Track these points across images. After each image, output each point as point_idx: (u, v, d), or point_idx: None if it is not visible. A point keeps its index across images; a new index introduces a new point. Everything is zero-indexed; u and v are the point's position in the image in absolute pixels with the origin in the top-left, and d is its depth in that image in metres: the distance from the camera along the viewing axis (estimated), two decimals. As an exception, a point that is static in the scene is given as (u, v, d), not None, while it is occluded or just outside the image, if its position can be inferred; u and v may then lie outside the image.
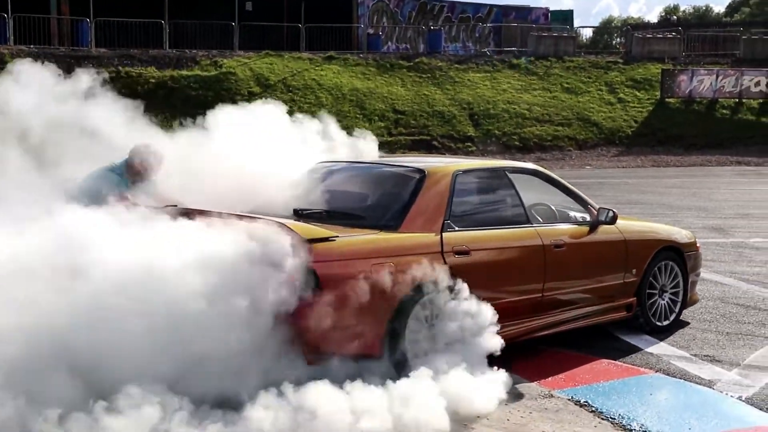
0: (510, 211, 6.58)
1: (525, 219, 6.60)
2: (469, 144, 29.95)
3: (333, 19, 35.74)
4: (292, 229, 5.27)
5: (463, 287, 5.71)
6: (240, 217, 5.54)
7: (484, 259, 6.11)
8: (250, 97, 29.62)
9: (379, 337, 5.44)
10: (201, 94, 28.88)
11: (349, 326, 5.27)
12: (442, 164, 6.74)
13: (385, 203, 6.16)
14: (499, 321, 5.82)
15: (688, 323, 7.67)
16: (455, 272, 5.74)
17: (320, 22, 34.93)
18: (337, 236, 5.42)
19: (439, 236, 5.89)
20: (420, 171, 6.30)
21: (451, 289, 5.69)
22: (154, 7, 32.99)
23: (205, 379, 4.97)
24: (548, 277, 6.52)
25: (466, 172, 6.50)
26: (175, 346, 4.89)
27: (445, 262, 5.76)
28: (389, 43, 38.96)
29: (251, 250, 5.11)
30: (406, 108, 31.33)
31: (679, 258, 7.61)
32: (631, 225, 7.56)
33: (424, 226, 5.90)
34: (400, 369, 5.46)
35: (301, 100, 30.00)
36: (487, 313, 5.72)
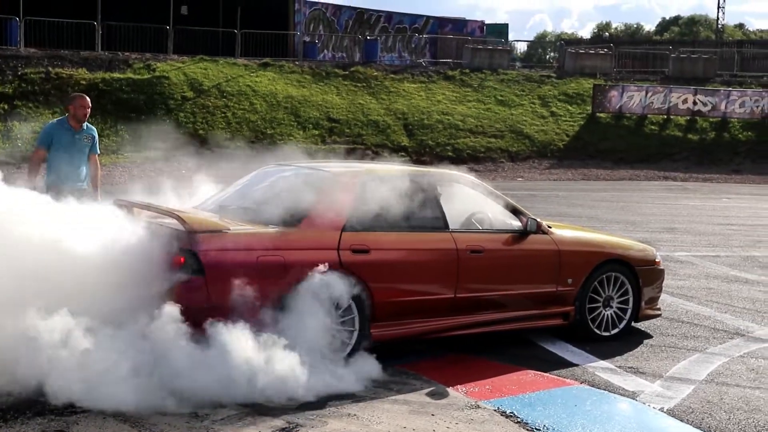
0: (424, 215, 6.91)
1: (442, 224, 6.91)
2: (403, 153, 30.01)
3: (269, 26, 35.56)
4: (185, 221, 5.92)
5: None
6: (152, 208, 6.39)
7: (386, 258, 6.50)
8: (184, 102, 29.30)
9: (266, 324, 5.89)
10: (133, 98, 28.45)
11: (232, 310, 5.76)
12: (354, 168, 7.23)
13: (290, 202, 6.57)
14: (406, 317, 6.59)
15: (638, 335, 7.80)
16: (352, 269, 6.24)
17: (256, 28, 34.73)
18: (229, 229, 6.03)
19: (338, 235, 6.31)
20: (331, 174, 6.87)
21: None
22: (86, 7, 32.40)
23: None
24: (462, 279, 6.82)
25: (379, 176, 6.89)
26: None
27: (341, 259, 6.20)
28: (325, 52, 38.94)
29: (145, 235, 5.94)
30: (341, 116, 31.31)
31: (629, 271, 7.73)
32: (569, 236, 7.70)
33: (324, 224, 6.34)
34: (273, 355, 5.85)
35: (235, 106, 29.75)
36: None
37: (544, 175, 30.03)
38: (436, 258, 6.78)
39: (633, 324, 7.87)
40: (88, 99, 8.78)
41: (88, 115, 8.73)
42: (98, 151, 8.88)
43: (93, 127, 8.96)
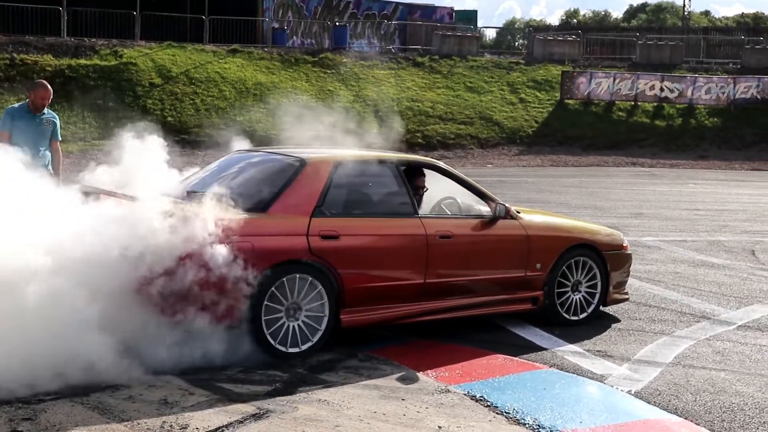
0: (394, 201, 6.98)
1: (411, 210, 6.94)
2: (372, 141, 30.01)
3: (237, 12, 35.30)
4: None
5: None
6: (118, 195, 6.37)
7: (356, 243, 6.52)
8: (151, 89, 29.05)
9: (237, 308, 5.97)
10: (100, 84, 28.16)
11: (205, 296, 5.84)
12: (326, 155, 7.09)
13: (259, 189, 6.60)
14: (376, 303, 6.57)
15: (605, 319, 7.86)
16: (321, 254, 6.28)
17: (224, 14, 34.47)
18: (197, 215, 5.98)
19: (308, 220, 6.31)
20: (300, 160, 6.76)
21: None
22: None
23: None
24: (432, 265, 6.85)
25: (349, 162, 6.90)
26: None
27: (310, 245, 6.24)
28: (294, 38, 38.73)
29: (117, 221, 5.85)
30: (310, 103, 31.21)
31: (597, 256, 7.79)
32: (537, 221, 7.75)
33: (293, 210, 6.39)
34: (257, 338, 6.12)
35: (203, 93, 29.56)
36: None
37: (513, 162, 30.15)
38: (405, 244, 6.80)
39: (601, 308, 7.93)
40: (49, 89, 8.72)
41: (46, 105, 8.75)
42: (59, 138, 8.83)
43: (54, 114, 8.95)
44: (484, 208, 7.36)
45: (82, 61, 29.14)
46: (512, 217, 7.41)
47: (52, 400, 5.24)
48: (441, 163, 7.61)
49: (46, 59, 28.58)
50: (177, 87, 29.53)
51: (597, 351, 6.89)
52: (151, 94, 28.80)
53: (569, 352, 6.85)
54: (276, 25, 37.64)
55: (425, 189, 7.37)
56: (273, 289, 6.14)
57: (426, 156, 7.96)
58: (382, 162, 7.18)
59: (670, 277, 10.02)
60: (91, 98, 27.11)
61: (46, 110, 8.70)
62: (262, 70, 32.18)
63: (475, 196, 7.41)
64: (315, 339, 6.36)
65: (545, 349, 6.92)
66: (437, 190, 7.42)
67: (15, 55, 28.21)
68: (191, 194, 6.75)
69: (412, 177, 7.24)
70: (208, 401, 5.34)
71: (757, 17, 70.60)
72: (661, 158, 31.78)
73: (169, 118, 27.64)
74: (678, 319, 8.05)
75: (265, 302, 6.11)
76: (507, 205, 7.41)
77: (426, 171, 7.42)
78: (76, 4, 31.74)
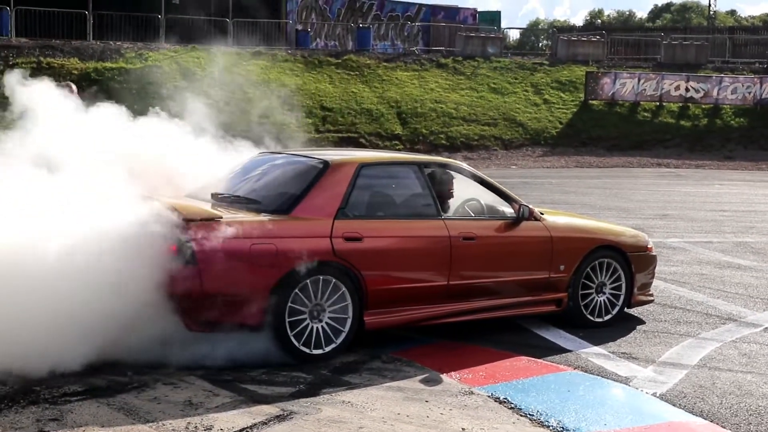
0: (417, 202, 6.98)
1: (434, 211, 6.93)
2: (396, 142, 30.03)
3: (261, 14, 35.43)
4: (176, 209, 5.95)
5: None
6: (143, 197, 6.22)
7: (379, 245, 6.52)
8: (177, 91, 29.20)
9: (260, 311, 5.97)
10: (126, 87, 28.35)
11: (228, 299, 5.88)
12: (350, 156, 7.14)
13: (282, 190, 6.63)
14: (399, 304, 6.56)
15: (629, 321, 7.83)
16: (344, 256, 6.28)
17: (248, 16, 34.61)
18: (221, 217, 6.03)
19: (331, 222, 6.30)
20: (324, 162, 6.74)
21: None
22: (77, -3, 32.28)
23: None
24: (455, 266, 6.83)
25: (373, 164, 6.95)
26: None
27: (333, 247, 6.23)
28: (318, 40, 38.82)
29: (136, 224, 5.83)
30: (334, 105, 31.27)
31: (622, 258, 7.76)
32: (561, 222, 7.72)
33: (317, 212, 6.38)
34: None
35: (228, 96, 29.67)
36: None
37: (537, 163, 30.05)
38: (428, 245, 6.79)
39: (626, 310, 7.89)
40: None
41: None
42: None
43: None
44: (508, 210, 7.35)
45: (108, 64, 29.38)
46: (536, 219, 7.38)
47: (78, 401, 5.29)
48: (464, 165, 7.59)
49: (73, 62, 28.84)
50: (201, 89, 29.66)
51: (622, 353, 6.86)
52: (176, 96, 28.95)
53: (593, 354, 6.82)
54: (300, 27, 37.74)
55: (452, 192, 7.36)
56: (297, 291, 6.15)
57: (450, 157, 7.94)
58: (404, 164, 7.21)
59: (696, 279, 9.95)
60: (117, 101, 27.26)
61: None
62: (286, 72, 32.28)
63: (499, 197, 7.39)
64: (339, 341, 6.37)
65: (569, 351, 6.89)
66: (460, 191, 7.41)
67: (42, 58, 28.48)
68: (216, 196, 6.79)
69: (441, 182, 7.22)
70: (233, 402, 5.37)
71: (783, 16, 69.94)
72: (687, 159, 31.56)
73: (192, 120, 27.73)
74: (704, 320, 7.99)
75: (289, 304, 6.13)
76: (530, 206, 7.39)
77: (450, 172, 7.40)
78: (101, 8, 32.00)
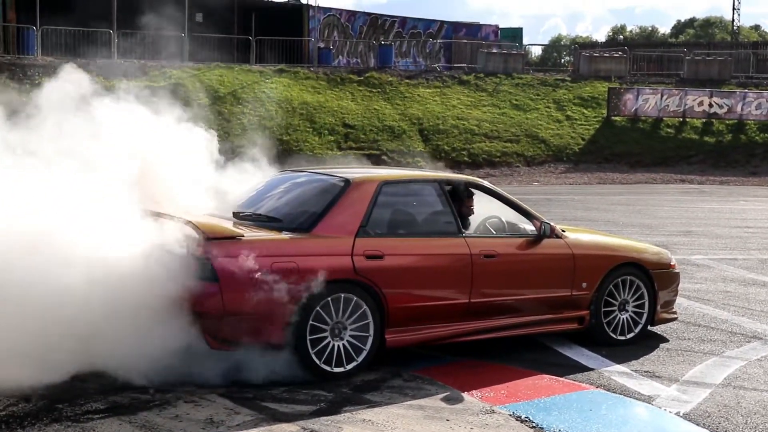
0: (438, 220, 6.99)
1: (455, 229, 6.92)
2: (418, 159, 30.03)
3: (284, 32, 35.65)
4: (198, 227, 5.95)
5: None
6: (163, 215, 6.30)
7: (400, 263, 6.52)
8: (200, 109, 29.39)
9: (281, 329, 5.99)
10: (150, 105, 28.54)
11: (250, 317, 5.90)
12: (371, 174, 7.21)
13: (303, 209, 6.66)
14: (420, 322, 6.56)
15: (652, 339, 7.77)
16: (365, 274, 6.28)
17: (271, 34, 34.83)
18: (243, 236, 6.06)
19: (352, 240, 6.31)
20: (345, 180, 6.77)
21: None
22: (102, 16, 32.58)
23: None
24: (476, 284, 6.82)
25: (394, 182, 6.98)
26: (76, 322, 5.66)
27: (354, 265, 6.24)
28: (340, 57, 38.99)
29: (158, 242, 5.89)
30: (356, 122, 31.35)
31: (644, 275, 7.71)
32: (583, 239, 7.70)
33: (338, 230, 6.40)
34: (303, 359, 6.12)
35: (250, 113, 29.85)
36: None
37: (560, 180, 29.96)
38: (449, 263, 6.80)
39: (649, 328, 7.84)
40: None
41: None
42: None
43: None
44: (529, 227, 7.33)
45: (133, 82, 29.60)
46: (557, 236, 7.36)
47: (101, 419, 5.31)
48: (485, 182, 7.61)
49: (98, 81, 29.08)
50: (224, 107, 29.86)
51: (645, 371, 6.81)
52: (199, 114, 29.13)
53: (616, 372, 6.77)
54: (322, 45, 37.92)
55: (473, 209, 7.35)
56: (318, 308, 6.16)
57: (472, 174, 7.92)
58: (426, 181, 7.22)
59: (720, 296, 9.87)
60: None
61: None
62: (308, 90, 32.42)
63: (520, 214, 7.38)
64: (360, 359, 6.37)
65: (592, 369, 6.85)
66: (481, 208, 7.40)
67: (67, 77, 28.74)
68: (238, 215, 6.82)
69: (461, 199, 7.22)
70: (254, 420, 5.37)
71: (808, 31, 69.50)
72: (711, 175, 31.34)
73: (218, 138, 27.88)
74: (728, 339, 7.92)
75: (311, 322, 6.13)
76: (552, 223, 7.37)
77: (470, 190, 7.41)
78: (126, 27, 32.31)
